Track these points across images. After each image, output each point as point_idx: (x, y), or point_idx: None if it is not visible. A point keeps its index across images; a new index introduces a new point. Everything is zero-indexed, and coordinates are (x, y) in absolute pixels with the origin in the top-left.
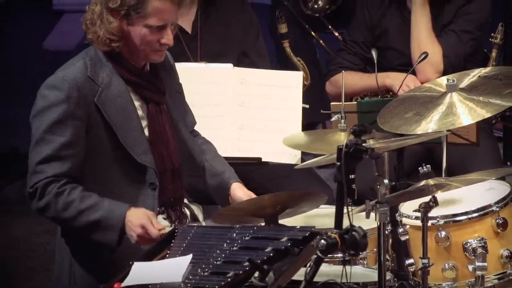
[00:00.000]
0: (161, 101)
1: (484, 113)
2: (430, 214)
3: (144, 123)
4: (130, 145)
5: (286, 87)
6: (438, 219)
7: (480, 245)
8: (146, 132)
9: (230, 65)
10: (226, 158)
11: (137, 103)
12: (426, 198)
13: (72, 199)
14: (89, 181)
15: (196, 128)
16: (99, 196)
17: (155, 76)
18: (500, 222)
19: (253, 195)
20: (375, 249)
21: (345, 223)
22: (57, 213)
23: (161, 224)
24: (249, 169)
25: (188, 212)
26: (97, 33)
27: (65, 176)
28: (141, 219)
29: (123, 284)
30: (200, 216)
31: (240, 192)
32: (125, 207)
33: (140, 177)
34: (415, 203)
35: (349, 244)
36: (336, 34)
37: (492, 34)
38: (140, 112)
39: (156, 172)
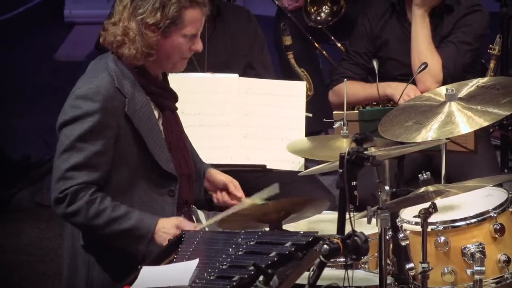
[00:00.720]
0: (175, 108)
1: (482, 122)
2: (430, 220)
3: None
4: (157, 154)
5: (290, 96)
6: (437, 224)
7: (478, 250)
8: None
9: (235, 75)
10: (232, 165)
11: (155, 112)
12: (426, 204)
13: (104, 207)
14: (112, 189)
15: (202, 136)
16: (128, 207)
17: (167, 84)
18: (498, 227)
19: (229, 178)
20: (376, 254)
21: (347, 229)
22: (86, 220)
23: (194, 223)
24: (254, 176)
25: (194, 218)
26: (135, 49)
27: (94, 184)
28: (174, 221)
29: (132, 287)
30: (204, 222)
31: (219, 175)
32: (154, 218)
33: (162, 184)
34: (415, 209)
35: (351, 249)
36: (339, 45)
37: (490, 45)
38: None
39: (177, 180)
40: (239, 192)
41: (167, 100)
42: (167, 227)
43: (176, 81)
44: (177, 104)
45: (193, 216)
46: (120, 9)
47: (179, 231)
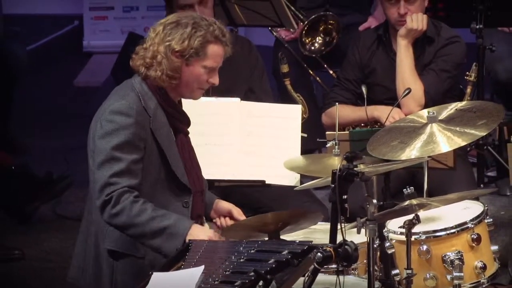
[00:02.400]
0: (188, 132)
1: (460, 142)
2: (413, 230)
3: None
4: (175, 167)
5: (287, 118)
6: (420, 234)
7: (457, 257)
8: None
9: (237, 99)
10: (234, 181)
11: (171, 133)
12: (410, 216)
13: (146, 207)
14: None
15: (208, 154)
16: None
17: (183, 109)
18: (475, 237)
19: (233, 206)
20: (365, 261)
21: (339, 238)
22: (130, 218)
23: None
24: (254, 191)
25: None
26: (161, 71)
27: (135, 189)
28: (208, 231)
29: None
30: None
31: (224, 204)
32: (190, 221)
33: (178, 196)
34: (400, 220)
35: (342, 256)
36: (331, 72)
37: (467, 72)
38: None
39: (191, 192)
40: (242, 217)
41: (182, 123)
42: (201, 232)
43: (184, 104)
44: None
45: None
46: (152, 36)
47: (208, 234)
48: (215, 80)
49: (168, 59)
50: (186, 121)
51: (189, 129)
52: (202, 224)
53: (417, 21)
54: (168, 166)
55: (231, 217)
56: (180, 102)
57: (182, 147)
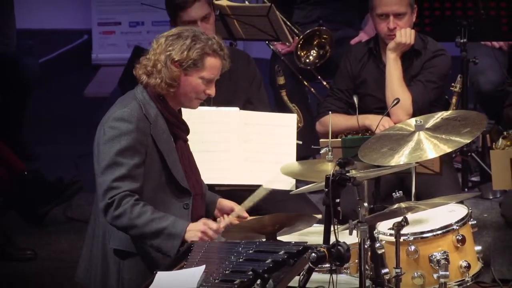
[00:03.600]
0: (187, 140)
1: (446, 149)
2: (402, 232)
3: None
4: (175, 172)
5: (283, 127)
6: (408, 235)
7: (443, 257)
8: None
9: (236, 109)
10: (233, 185)
11: (172, 140)
12: (399, 218)
13: (146, 210)
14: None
15: (208, 160)
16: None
17: (182, 118)
18: (460, 238)
19: (235, 204)
20: (356, 260)
21: (332, 239)
22: (131, 219)
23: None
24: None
25: None
26: (160, 78)
27: (136, 192)
28: (201, 221)
29: None
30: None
31: (227, 202)
32: (186, 222)
33: (179, 198)
34: (390, 222)
35: (335, 256)
36: (324, 83)
37: (452, 84)
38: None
39: (191, 195)
40: (244, 214)
41: (181, 131)
42: (196, 226)
43: (186, 113)
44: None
45: None
46: (155, 47)
47: (206, 227)
48: (212, 91)
49: (167, 68)
50: (186, 129)
51: (191, 136)
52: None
53: (406, 35)
54: (168, 170)
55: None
56: (180, 111)
57: (182, 153)
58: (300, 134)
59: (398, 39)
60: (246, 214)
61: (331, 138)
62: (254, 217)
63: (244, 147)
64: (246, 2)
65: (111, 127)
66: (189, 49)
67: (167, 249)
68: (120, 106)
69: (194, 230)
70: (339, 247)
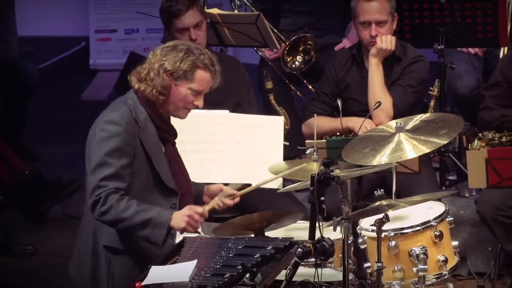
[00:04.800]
0: (175, 143)
1: (424, 149)
2: (383, 228)
3: None
4: (162, 173)
5: (271, 129)
6: (389, 231)
7: (422, 252)
8: None
9: (227, 111)
10: (224, 184)
11: (160, 143)
12: (380, 215)
13: (131, 203)
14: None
15: (200, 160)
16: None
17: (171, 123)
18: (438, 234)
19: (222, 185)
20: (340, 255)
21: (317, 235)
22: (117, 213)
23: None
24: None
25: None
26: (152, 86)
27: (122, 190)
28: (186, 208)
29: (143, 283)
30: (200, 229)
31: (213, 186)
32: (171, 210)
33: (166, 198)
34: (372, 219)
35: (320, 251)
36: (310, 87)
37: (431, 88)
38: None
39: (178, 195)
40: (232, 191)
41: (169, 135)
42: (181, 212)
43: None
44: (180, 135)
45: None
46: (151, 56)
47: (191, 211)
48: (200, 103)
49: (160, 77)
50: (174, 133)
51: (185, 138)
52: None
53: (387, 42)
54: (155, 172)
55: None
56: (169, 117)
57: (170, 155)
58: (287, 136)
59: (380, 45)
60: (233, 191)
61: (316, 139)
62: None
63: (234, 148)
64: (236, 11)
65: (101, 129)
66: (182, 60)
67: (155, 238)
68: (111, 110)
69: (180, 216)
70: (323, 242)
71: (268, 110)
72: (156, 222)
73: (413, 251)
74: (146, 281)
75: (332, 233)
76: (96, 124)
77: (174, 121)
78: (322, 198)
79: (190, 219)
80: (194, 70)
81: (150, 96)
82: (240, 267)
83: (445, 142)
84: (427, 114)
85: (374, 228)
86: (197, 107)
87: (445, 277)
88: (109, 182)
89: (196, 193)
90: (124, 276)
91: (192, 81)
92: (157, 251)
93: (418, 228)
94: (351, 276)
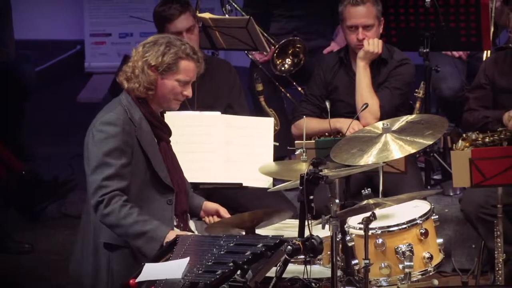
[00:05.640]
0: (169, 141)
1: (410, 149)
2: (370, 226)
3: None
4: (159, 170)
5: (261, 130)
6: (376, 229)
7: (408, 249)
8: None
9: (218, 113)
10: (215, 184)
11: (155, 141)
12: (367, 214)
13: (132, 212)
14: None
15: (192, 160)
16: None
17: (164, 121)
18: (423, 231)
19: (219, 206)
20: (329, 252)
21: (306, 233)
22: (117, 219)
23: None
24: (233, 192)
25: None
26: (138, 82)
27: (124, 191)
28: (182, 232)
29: (137, 280)
30: (193, 226)
31: (211, 205)
32: (168, 228)
33: (162, 194)
34: (359, 217)
35: (309, 249)
36: (299, 89)
37: (416, 90)
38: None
39: (174, 191)
40: (227, 215)
41: (163, 133)
42: (177, 232)
43: (172, 117)
44: (172, 135)
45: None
46: (134, 54)
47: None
48: (189, 92)
49: (145, 73)
50: (168, 131)
51: (178, 139)
52: (186, 219)
53: (374, 45)
54: (152, 169)
55: (218, 215)
56: (162, 115)
57: (165, 153)
58: (277, 136)
59: (367, 48)
60: (226, 216)
61: (305, 140)
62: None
63: (226, 148)
64: (227, 15)
65: (99, 130)
66: (164, 54)
67: (146, 251)
68: (106, 111)
69: (175, 236)
70: (312, 240)
71: (259, 111)
72: (151, 236)
73: (399, 249)
74: (140, 278)
75: (320, 231)
76: (93, 126)
77: (167, 122)
78: (311, 197)
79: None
80: (178, 61)
81: (139, 93)
82: (231, 264)
83: (430, 142)
84: (413, 116)
85: (362, 226)
86: (187, 97)
87: (430, 273)
88: (111, 182)
89: (195, 205)
90: (123, 272)
91: (177, 72)
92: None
93: (404, 226)
94: (339, 272)
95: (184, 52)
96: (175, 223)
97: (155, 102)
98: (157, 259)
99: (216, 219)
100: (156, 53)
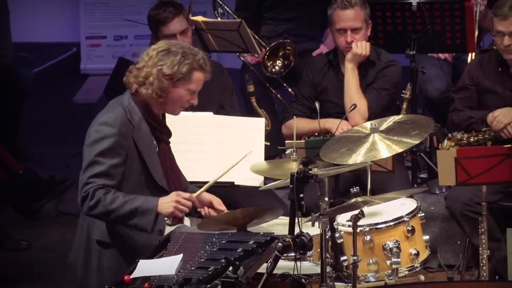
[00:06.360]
0: (169, 142)
1: (397, 149)
2: (359, 223)
3: None
4: (154, 173)
5: (252, 130)
6: (364, 226)
7: (395, 246)
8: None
9: (211, 113)
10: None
11: (154, 142)
12: (356, 211)
13: (117, 195)
14: None
15: (186, 159)
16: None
17: (165, 122)
18: (410, 229)
19: (214, 197)
20: (318, 249)
21: (296, 230)
22: (105, 206)
23: (187, 194)
24: (225, 190)
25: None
26: (152, 90)
27: (110, 187)
28: (173, 193)
29: (131, 276)
30: (188, 223)
31: (206, 195)
32: (157, 197)
33: (157, 196)
34: (348, 215)
35: (299, 245)
36: (290, 90)
37: (403, 91)
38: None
39: (169, 193)
40: (222, 207)
41: (163, 134)
42: (168, 197)
43: (167, 117)
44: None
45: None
46: (146, 59)
47: (178, 197)
48: (195, 101)
49: (159, 81)
50: (167, 133)
51: (171, 139)
52: (182, 219)
53: (361, 47)
54: (148, 171)
55: (212, 206)
56: (163, 117)
57: (164, 154)
58: (268, 136)
59: (355, 50)
60: (223, 207)
61: (296, 140)
62: (227, 211)
63: (218, 148)
64: (219, 18)
65: (96, 130)
66: (179, 64)
67: (143, 225)
68: (106, 111)
69: (167, 202)
70: (302, 237)
71: (250, 112)
72: (143, 209)
73: (387, 245)
74: (135, 274)
75: (310, 228)
76: (92, 125)
77: None
78: (301, 195)
79: (177, 203)
80: (192, 72)
81: (149, 98)
82: (223, 260)
83: (417, 142)
84: (400, 116)
85: (350, 223)
86: (192, 104)
87: (417, 269)
88: (98, 179)
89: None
90: (112, 269)
91: (190, 82)
92: (144, 243)
93: (391, 223)
94: (328, 269)
95: (198, 63)
96: (169, 222)
97: (160, 106)
98: (151, 255)
99: (211, 211)
100: (172, 62)
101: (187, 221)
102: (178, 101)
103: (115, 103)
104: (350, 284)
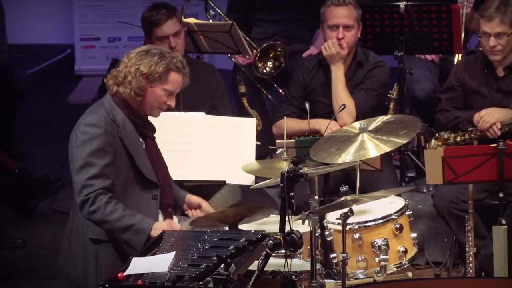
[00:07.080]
0: (154, 137)
1: (386, 148)
2: (348, 221)
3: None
4: (142, 167)
5: (244, 129)
6: (353, 224)
7: (384, 243)
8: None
9: (203, 113)
10: (200, 181)
11: (140, 139)
12: (345, 209)
13: (118, 207)
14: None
15: (178, 159)
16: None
17: (148, 119)
18: (398, 226)
19: (202, 200)
20: (308, 247)
21: (287, 228)
22: (103, 215)
23: (179, 225)
24: (217, 189)
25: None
26: (130, 88)
27: (108, 190)
28: (165, 222)
29: (125, 273)
30: (176, 221)
31: (194, 198)
32: (153, 220)
33: (147, 190)
34: (337, 213)
35: (290, 243)
36: (280, 91)
37: (390, 91)
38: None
39: (159, 186)
40: (210, 209)
41: (148, 130)
42: (162, 223)
43: (159, 117)
44: (159, 135)
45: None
46: (126, 61)
47: (169, 227)
48: (172, 102)
49: (136, 79)
50: (152, 128)
51: (164, 138)
52: (171, 213)
53: (329, 47)
54: (136, 166)
55: (201, 209)
56: (146, 115)
57: (150, 149)
58: (259, 136)
59: (325, 53)
60: (212, 210)
61: (286, 140)
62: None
63: (210, 148)
64: (211, 20)
65: (82, 132)
66: (156, 64)
67: (134, 243)
68: (89, 113)
69: (160, 227)
70: (293, 235)
71: (241, 112)
72: (138, 228)
73: (375, 243)
74: (128, 272)
75: (300, 226)
76: (76, 128)
77: (154, 123)
78: (292, 194)
79: (169, 226)
80: (168, 72)
81: (128, 97)
82: (215, 258)
83: (405, 141)
84: (388, 116)
85: (340, 221)
86: (169, 107)
87: (405, 266)
88: (95, 181)
89: (177, 197)
90: (110, 266)
91: (166, 82)
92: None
93: (380, 221)
94: (318, 266)
95: (175, 65)
96: (161, 218)
97: (140, 107)
98: (144, 253)
99: (199, 212)
100: (149, 62)
101: (175, 219)
102: (155, 101)
103: (96, 106)
104: (339, 281)
